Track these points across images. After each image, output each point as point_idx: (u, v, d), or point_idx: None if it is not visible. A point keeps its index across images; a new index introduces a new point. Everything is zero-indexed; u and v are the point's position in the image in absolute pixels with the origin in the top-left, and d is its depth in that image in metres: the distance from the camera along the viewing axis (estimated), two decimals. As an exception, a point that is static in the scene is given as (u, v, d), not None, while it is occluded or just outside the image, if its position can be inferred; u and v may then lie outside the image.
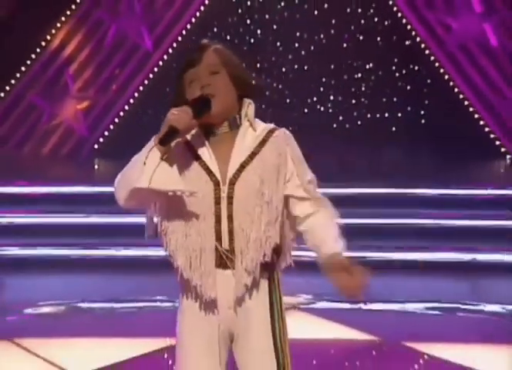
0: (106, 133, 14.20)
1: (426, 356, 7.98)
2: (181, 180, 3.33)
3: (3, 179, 12.80)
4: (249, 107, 3.44)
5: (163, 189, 3.24)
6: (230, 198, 3.46)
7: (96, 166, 14.03)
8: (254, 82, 3.52)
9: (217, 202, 3.46)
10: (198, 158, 3.37)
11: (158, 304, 9.75)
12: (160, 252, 8.43)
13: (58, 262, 11.64)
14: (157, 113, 14.03)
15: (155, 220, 3.93)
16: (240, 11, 16.95)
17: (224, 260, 3.49)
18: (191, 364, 3.64)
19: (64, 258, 11.77)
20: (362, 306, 9.25)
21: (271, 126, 3.42)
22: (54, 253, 11.80)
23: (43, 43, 13.50)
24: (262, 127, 3.42)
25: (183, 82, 3.33)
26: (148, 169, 3.25)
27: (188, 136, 3.51)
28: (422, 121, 14.96)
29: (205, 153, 3.44)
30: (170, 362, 6.93)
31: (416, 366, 8.10)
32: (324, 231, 3.42)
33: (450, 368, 7.61)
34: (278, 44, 17.30)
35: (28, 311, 9.50)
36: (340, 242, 3.40)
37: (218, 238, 3.47)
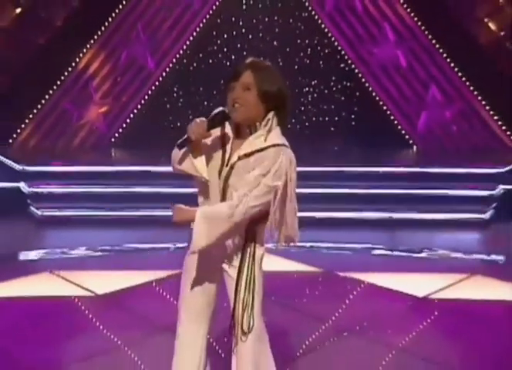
0: (120, 130, 14.06)
1: (354, 281, 8.51)
2: (202, 167, 3.97)
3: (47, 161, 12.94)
4: (269, 120, 3.88)
5: (186, 171, 3.97)
6: (226, 178, 4.01)
7: (113, 154, 13.70)
8: (282, 94, 3.82)
9: (220, 179, 4.05)
10: (224, 151, 3.98)
11: (164, 247, 9.94)
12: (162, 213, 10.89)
13: (87, 220, 11.95)
14: (157, 117, 14.58)
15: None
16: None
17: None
18: (188, 288, 4.18)
19: (91, 217, 11.95)
20: (310, 245, 9.83)
21: (277, 142, 3.82)
22: (84, 213, 11.98)
23: (73, 63, 13.71)
24: (271, 139, 3.82)
25: (228, 89, 3.89)
26: (181, 156, 3.92)
27: (227, 130, 3.98)
28: (353, 123, 14.45)
29: (228, 148, 3.99)
30: (174, 287, 7.28)
31: (349, 287, 8.51)
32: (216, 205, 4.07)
33: (375, 289, 8.17)
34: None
35: (66, 253, 9.95)
36: (206, 214, 3.98)
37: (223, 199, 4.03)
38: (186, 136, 3.83)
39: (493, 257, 10.04)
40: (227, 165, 3.95)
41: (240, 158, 3.89)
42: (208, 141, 3.98)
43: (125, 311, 7.53)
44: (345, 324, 7.08)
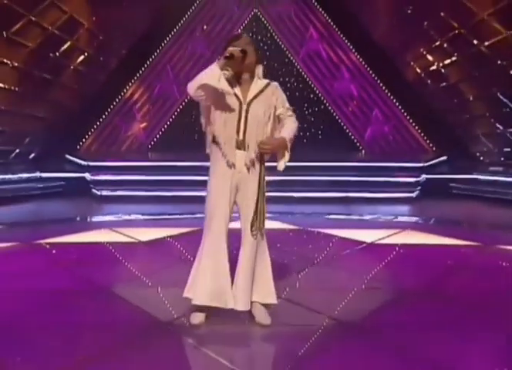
0: (154, 139, 14.17)
1: (322, 233, 8.67)
2: (229, 89, 4.13)
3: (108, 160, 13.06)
4: (259, 69, 4.38)
5: (216, 86, 4.01)
6: (246, 112, 4.21)
7: (149, 155, 13.77)
8: (260, 55, 4.47)
9: (240, 113, 4.21)
10: (236, 94, 4.22)
11: (185, 216, 9.99)
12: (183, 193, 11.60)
13: (131, 197, 12.15)
14: (180, 131, 14.19)
15: (203, 124, 4.56)
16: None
17: (239, 145, 4.22)
18: (215, 201, 4.35)
19: (134, 196, 12.18)
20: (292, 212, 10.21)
21: (268, 81, 4.38)
22: (128, 193, 12.17)
23: (122, 93, 13.92)
24: (264, 81, 4.35)
25: (229, 45, 4.14)
26: (210, 77, 4.02)
27: (230, 78, 4.22)
28: (320, 137, 14.12)
29: (236, 88, 4.23)
30: (192, 239, 6.83)
31: (318, 237, 8.61)
32: (285, 130, 4.32)
33: (338, 238, 8.35)
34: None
35: (118, 218, 10.14)
36: (288, 135, 4.35)
37: (237, 133, 4.22)
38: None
39: (417, 219, 10.28)
40: (245, 102, 4.23)
41: (255, 96, 4.23)
42: (224, 82, 4.08)
43: (157, 250, 7.71)
44: (317, 257, 7.14)
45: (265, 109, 4.28)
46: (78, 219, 10.29)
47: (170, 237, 8.36)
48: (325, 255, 7.45)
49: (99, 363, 4.01)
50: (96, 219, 10.42)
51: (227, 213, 4.36)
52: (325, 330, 4.57)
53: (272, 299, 4.47)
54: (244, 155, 4.28)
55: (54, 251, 7.65)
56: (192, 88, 4.12)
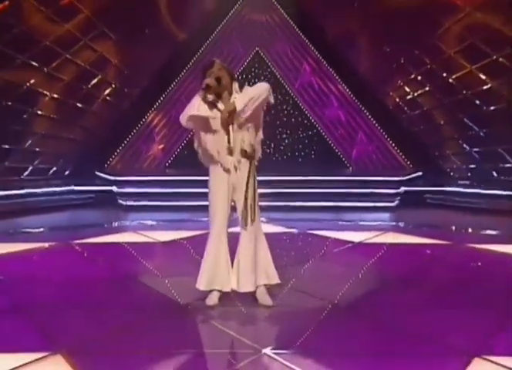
0: (171, 159, 13.85)
1: (316, 235, 8.52)
2: (209, 114, 4.26)
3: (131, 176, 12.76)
4: (235, 85, 4.44)
5: (202, 114, 4.22)
6: (232, 125, 4.35)
7: (167, 171, 13.64)
8: (233, 74, 4.59)
9: (226, 128, 4.35)
10: (217, 107, 4.30)
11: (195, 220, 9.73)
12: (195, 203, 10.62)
13: (151, 206, 11.98)
14: (192, 152, 14.03)
15: (195, 145, 4.73)
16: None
17: (230, 151, 4.34)
18: (216, 199, 4.49)
19: (153, 205, 11.90)
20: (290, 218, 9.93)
21: (244, 87, 4.43)
22: (149, 203, 12.04)
23: (144, 119, 13.66)
24: (240, 93, 4.35)
25: (204, 75, 4.31)
26: (196, 108, 4.20)
27: (213, 100, 4.33)
28: (312, 156, 13.71)
29: (219, 105, 4.31)
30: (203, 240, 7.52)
31: (313, 238, 8.54)
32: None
33: (330, 239, 8.29)
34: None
35: (141, 223, 10.03)
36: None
37: (228, 142, 4.34)
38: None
39: (397, 224, 10.12)
40: (228, 115, 4.31)
41: (234, 110, 4.24)
42: (204, 109, 4.26)
43: (175, 249, 7.72)
44: (313, 254, 7.27)
45: (248, 108, 4.34)
46: (106, 224, 10.25)
47: (185, 238, 8.38)
48: (320, 252, 7.52)
49: (134, 335, 4.16)
50: (122, 223, 10.42)
51: (226, 209, 4.52)
52: (319, 310, 4.63)
53: (276, 279, 4.55)
54: (233, 159, 4.42)
55: (87, 249, 7.70)
56: (182, 120, 4.38)
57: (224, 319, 4.36)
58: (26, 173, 11.69)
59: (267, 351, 3.65)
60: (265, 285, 4.51)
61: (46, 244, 7.84)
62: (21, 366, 3.49)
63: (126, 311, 4.67)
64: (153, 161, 14.08)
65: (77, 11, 9.98)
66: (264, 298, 4.42)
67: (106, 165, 13.54)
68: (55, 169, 12.53)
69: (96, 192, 12.61)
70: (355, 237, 8.45)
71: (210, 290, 4.53)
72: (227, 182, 4.47)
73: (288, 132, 14.11)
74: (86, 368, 3.51)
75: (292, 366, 3.41)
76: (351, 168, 13.86)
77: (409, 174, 12.43)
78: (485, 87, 10.20)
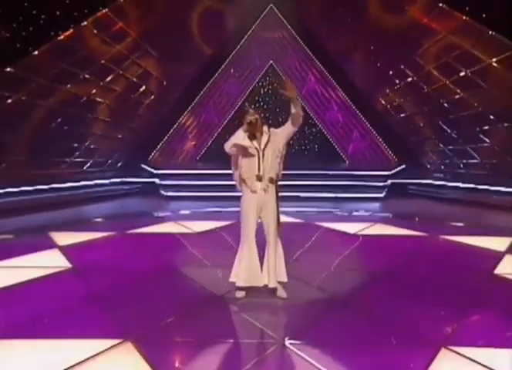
0: (201, 153, 13.90)
1: (318, 226, 8.55)
2: (249, 144, 4.45)
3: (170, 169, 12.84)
4: (265, 127, 4.55)
5: (244, 144, 4.45)
6: (262, 156, 4.50)
7: (198, 164, 13.61)
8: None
9: (258, 157, 4.50)
10: (254, 140, 4.46)
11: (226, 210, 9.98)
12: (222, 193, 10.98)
13: (187, 196, 11.96)
14: (218, 147, 14.02)
15: (233, 169, 4.78)
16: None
17: (259, 178, 4.49)
18: (247, 216, 4.60)
19: (190, 195, 12.02)
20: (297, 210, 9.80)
21: (269, 132, 4.56)
22: (185, 194, 12.02)
23: (179, 121, 13.83)
24: (268, 133, 4.51)
25: (243, 119, 4.48)
26: (240, 139, 4.43)
27: (251, 136, 4.48)
28: (316, 150, 13.83)
29: (254, 142, 4.48)
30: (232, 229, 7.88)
31: (315, 228, 8.51)
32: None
33: (329, 229, 8.31)
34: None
35: (180, 213, 10.08)
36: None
37: (258, 170, 4.49)
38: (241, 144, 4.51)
39: (385, 215, 10.19)
40: (261, 150, 4.49)
41: (266, 145, 4.46)
42: (245, 140, 4.49)
43: (209, 239, 7.61)
44: (316, 245, 7.19)
45: (273, 151, 4.52)
46: (152, 213, 10.31)
47: (217, 228, 8.37)
48: (322, 243, 7.48)
49: (184, 325, 4.25)
50: (164, 213, 10.36)
51: (255, 224, 4.62)
52: (319, 301, 4.76)
53: (284, 278, 4.68)
54: (262, 184, 4.53)
55: (139, 239, 7.69)
56: (227, 147, 4.55)
57: (250, 310, 4.48)
58: (87, 166, 11.82)
59: (285, 341, 3.76)
60: (279, 282, 4.66)
61: (106, 234, 7.87)
62: (98, 354, 3.62)
63: (176, 303, 4.74)
64: (186, 155, 14.07)
65: (126, 35, 9.98)
66: (280, 292, 4.57)
67: (148, 159, 13.54)
68: (109, 162, 12.62)
69: (142, 183, 12.58)
70: (350, 227, 8.40)
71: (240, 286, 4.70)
72: (256, 202, 4.56)
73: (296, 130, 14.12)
74: (152, 355, 3.58)
75: (301, 354, 3.56)
76: (347, 161, 13.75)
77: (394, 168, 12.24)
78: (457, 97, 10.15)
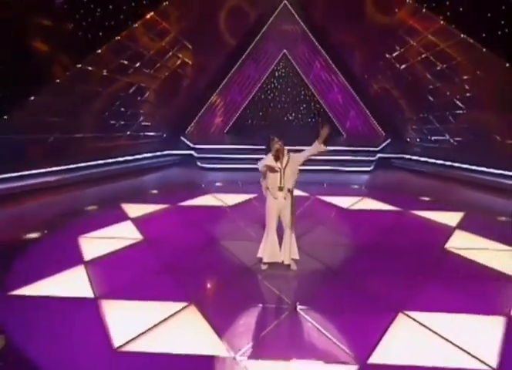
0: (227, 128, 14.14)
1: (318, 199, 8.59)
2: (275, 165, 4.74)
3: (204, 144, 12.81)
4: (285, 151, 4.85)
5: (272, 165, 4.74)
6: (283, 173, 4.83)
7: (226, 138, 13.67)
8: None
9: (280, 174, 4.82)
10: (279, 164, 4.79)
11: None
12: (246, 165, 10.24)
13: (220, 168, 11.92)
14: (243, 123, 14.23)
15: (261, 180, 5.01)
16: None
17: (280, 188, 4.86)
18: (270, 215, 4.96)
19: (221, 167, 11.92)
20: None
21: (289, 155, 4.85)
22: (219, 166, 11.98)
23: (210, 100, 14.09)
24: (287, 156, 4.82)
25: (271, 146, 4.80)
26: (269, 161, 4.71)
27: (276, 158, 4.80)
28: (320, 123, 13.05)
29: (278, 162, 4.82)
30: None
31: (314, 201, 8.55)
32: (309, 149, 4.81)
33: (325, 203, 8.43)
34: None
35: (216, 184, 10.13)
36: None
37: (279, 183, 4.84)
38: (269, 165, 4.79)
39: (372, 188, 9.95)
40: (283, 169, 4.81)
41: (286, 165, 4.80)
42: (273, 162, 4.81)
43: (240, 211, 7.77)
44: (316, 219, 7.28)
45: (291, 170, 4.87)
46: (192, 185, 10.03)
47: (246, 200, 8.38)
48: (321, 218, 7.45)
49: (224, 291, 4.68)
50: (202, 185, 10.11)
51: (276, 221, 5.01)
52: (319, 272, 5.12)
53: (297, 256, 5.09)
54: (282, 193, 4.89)
55: (186, 212, 7.83)
56: (260, 166, 4.86)
57: (271, 279, 4.89)
58: (140, 140, 12.31)
59: (297, 307, 4.22)
60: (292, 259, 5.11)
61: (162, 206, 7.97)
62: (170, 316, 4.05)
63: (220, 271, 5.16)
64: (215, 129, 14.21)
65: (168, 33, 10.40)
66: (292, 266, 5.06)
67: (186, 133, 13.71)
68: (156, 136, 12.97)
69: (182, 155, 12.63)
70: (343, 202, 8.34)
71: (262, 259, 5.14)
72: (277, 206, 4.95)
73: (304, 106, 14.20)
74: (212, 316, 4.05)
75: (307, 317, 4.03)
76: (344, 135, 13.80)
77: (382, 142, 12.23)
78: (434, 86, 10.35)
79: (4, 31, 9.05)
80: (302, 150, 5.03)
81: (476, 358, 3.51)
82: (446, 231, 6.62)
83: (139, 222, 7.06)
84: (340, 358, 3.53)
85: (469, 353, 3.57)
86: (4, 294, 4.52)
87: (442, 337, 3.76)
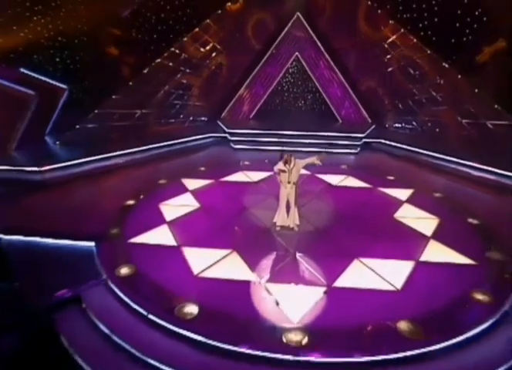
0: (252, 114, 14.45)
1: (315, 177, 8.60)
2: (284, 168, 5.35)
3: (234, 127, 12.69)
4: (292, 158, 5.50)
5: (283, 168, 5.48)
6: (291, 173, 5.60)
7: (251, 122, 13.58)
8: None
9: (289, 173, 5.59)
10: (286, 166, 5.46)
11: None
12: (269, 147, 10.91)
13: (248, 148, 11.88)
14: (266, 110, 14.38)
15: (277, 176, 5.62)
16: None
17: (288, 182, 5.62)
18: (282, 197, 5.72)
19: (249, 148, 11.83)
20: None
21: (294, 162, 5.42)
22: (247, 147, 11.84)
23: (239, 91, 14.41)
24: (293, 162, 5.45)
25: (283, 156, 5.46)
26: (281, 165, 5.43)
27: (284, 164, 5.41)
28: (322, 113, 14.08)
29: (287, 165, 5.51)
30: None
31: (311, 179, 8.51)
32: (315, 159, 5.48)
33: (318, 179, 8.47)
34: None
35: (246, 163, 9.97)
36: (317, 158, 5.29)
37: (288, 179, 5.57)
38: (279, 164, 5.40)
39: (356, 168, 9.67)
40: (290, 170, 5.58)
41: (292, 168, 5.50)
42: (283, 166, 5.51)
43: (263, 186, 7.95)
44: (310, 189, 7.65)
45: (297, 170, 5.69)
46: (228, 164, 9.92)
47: (268, 177, 8.49)
48: (315, 192, 7.76)
49: (254, 245, 5.50)
50: (235, 164, 9.99)
51: (285, 201, 5.90)
52: (312, 232, 5.99)
53: (298, 222, 5.98)
54: (290, 185, 5.74)
55: (225, 186, 8.13)
56: (275, 168, 5.71)
57: (281, 236, 5.87)
58: (188, 125, 13.33)
59: (296, 254, 5.34)
60: (295, 223, 6.01)
61: (209, 181, 8.31)
62: (216, 262, 5.08)
63: (249, 230, 6.02)
64: (243, 115, 14.62)
65: (209, 43, 11.64)
66: (295, 228, 6.05)
67: (221, 117, 14.14)
68: (198, 121, 13.83)
69: (218, 137, 12.57)
70: (332, 179, 8.58)
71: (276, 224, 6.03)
72: (286, 193, 5.86)
73: (310, 96, 14.54)
74: (246, 258, 5.13)
75: (302, 261, 5.20)
76: (340, 121, 14.13)
77: (367, 129, 12.44)
78: (410, 86, 11.17)
79: (86, 40, 10.09)
80: (306, 151, 5.88)
81: (391, 284, 4.88)
82: (398, 204, 7.21)
83: (196, 193, 7.68)
84: (318, 283, 4.88)
85: (388, 281, 4.93)
86: (125, 242, 5.85)
87: (375, 272, 5.14)
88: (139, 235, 5.96)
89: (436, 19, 9.00)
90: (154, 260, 5.30)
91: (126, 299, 4.54)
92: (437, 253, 5.49)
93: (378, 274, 5.09)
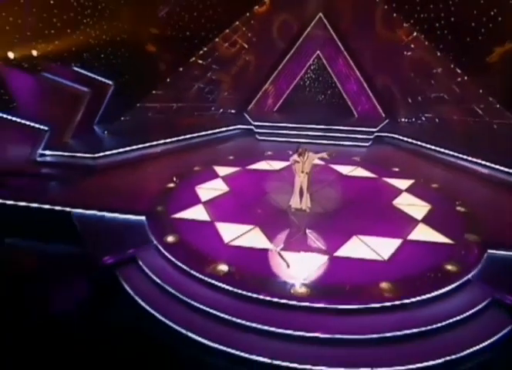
0: (276, 107, 14.76)
1: (328, 168, 8.79)
2: (299, 159, 5.91)
3: (260, 120, 12.84)
4: (306, 152, 6.02)
5: (297, 159, 6.00)
6: (304, 163, 6.15)
7: (275, 115, 13.92)
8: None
9: (303, 165, 6.18)
10: (301, 157, 5.98)
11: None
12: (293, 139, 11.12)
13: (272, 140, 12.08)
14: (287, 104, 14.72)
15: (292, 166, 6.19)
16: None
17: (302, 172, 6.18)
18: (297, 184, 6.25)
19: (273, 140, 12.10)
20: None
21: (308, 154, 5.91)
22: (272, 138, 12.19)
23: (265, 85, 14.90)
24: (307, 155, 5.96)
25: (299, 149, 5.90)
26: (296, 157, 6.11)
27: (298, 155, 5.90)
28: (338, 108, 14.36)
29: (301, 157, 6.00)
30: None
31: (326, 171, 8.83)
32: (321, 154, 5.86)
33: (328, 168, 8.78)
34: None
35: (269, 153, 10.35)
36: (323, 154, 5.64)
37: (302, 169, 6.08)
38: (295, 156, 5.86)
39: (366, 160, 10.13)
40: (304, 161, 6.14)
41: (306, 159, 5.98)
42: (297, 158, 5.98)
43: (285, 174, 8.10)
44: (322, 178, 7.90)
45: (309, 162, 6.27)
46: (253, 153, 10.26)
47: (287, 166, 8.34)
48: (327, 180, 8.13)
49: (272, 224, 6.17)
50: (260, 153, 10.29)
51: (299, 188, 6.55)
52: (322, 213, 6.66)
53: (309, 204, 6.62)
54: (303, 174, 6.35)
55: (250, 174, 8.59)
56: (291, 159, 6.29)
57: (295, 216, 6.58)
58: (216, 116, 14.09)
59: (306, 230, 6.10)
60: (307, 206, 6.71)
61: (237, 169, 8.82)
62: (242, 234, 5.83)
63: (269, 210, 6.67)
64: (268, 108, 15.16)
65: (237, 42, 12.71)
66: (307, 209, 6.76)
67: (248, 110, 14.70)
68: (227, 113, 14.60)
69: (243, 129, 12.91)
70: (344, 169, 8.96)
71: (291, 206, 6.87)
72: (301, 181, 6.50)
73: (330, 91, 15.11)
74: (266, 232, 5.85)
75: (312, 237, 5.99)
76: (356, 115, 14.57)
77: (380, 123, 12.90)
78: (419, 84, 11.78)
79: (126, 39, 11.01)
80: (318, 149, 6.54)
81: (380, 255, 5.65)
82: (397, 192, 7.77)
83: (225, 179, 8.33)
84: (321, 252, 5.71)
85: (377, 253, 5.71)
86: (169, 217, 6.74)
87: (369, 246, 5.92)
88: (180, 212, 6.79)
89: (452, 19, 9.58)
90: (193, 231, 6.13)
91: (172, 259, 5.49)
92: (423, 233, 6.13)
93: (370, 248, 5.83)
